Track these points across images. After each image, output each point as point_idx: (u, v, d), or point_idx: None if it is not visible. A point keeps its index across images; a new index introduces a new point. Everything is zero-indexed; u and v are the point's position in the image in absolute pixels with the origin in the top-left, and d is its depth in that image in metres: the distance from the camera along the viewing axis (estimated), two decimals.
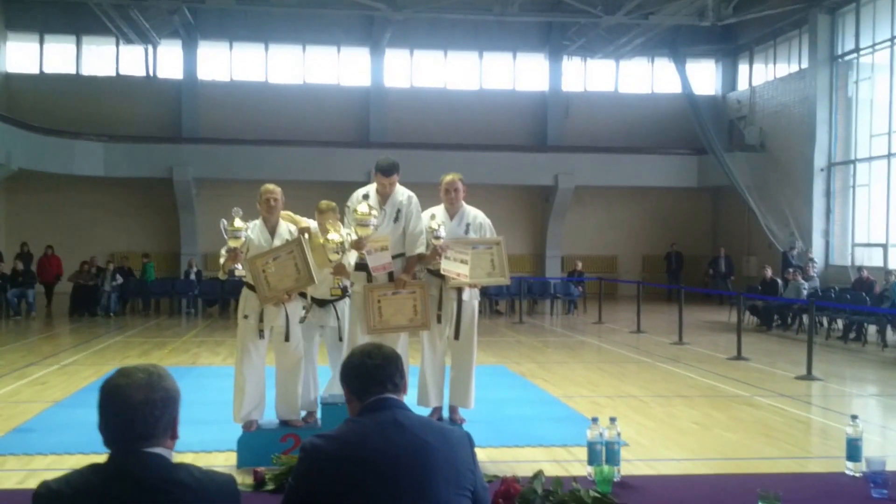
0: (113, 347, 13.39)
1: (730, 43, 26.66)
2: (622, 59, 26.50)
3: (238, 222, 5.96)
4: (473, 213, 6.61)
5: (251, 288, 6.15)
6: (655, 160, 25.48)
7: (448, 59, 26.93)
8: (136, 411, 2.19)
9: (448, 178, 6.54)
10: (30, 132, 21.21)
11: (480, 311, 6.71)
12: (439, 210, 6.56)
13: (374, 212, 6.06)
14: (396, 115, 25.99)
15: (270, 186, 6.35)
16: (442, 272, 6.25)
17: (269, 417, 6.36)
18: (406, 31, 25.35)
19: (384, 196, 6.32)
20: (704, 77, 27.66)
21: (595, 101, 27.25)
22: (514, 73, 27.25)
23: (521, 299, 19.53)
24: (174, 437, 2.29)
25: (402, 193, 6.37)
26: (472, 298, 6.50)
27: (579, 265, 22.98)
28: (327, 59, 26.51)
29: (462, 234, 6.46)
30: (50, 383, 9.83)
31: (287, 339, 6.20)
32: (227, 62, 26.14)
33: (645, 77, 27.72)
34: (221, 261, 6.15)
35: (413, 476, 2.49)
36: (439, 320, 6.36)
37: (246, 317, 6.18)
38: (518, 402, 8.80)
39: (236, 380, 6.20)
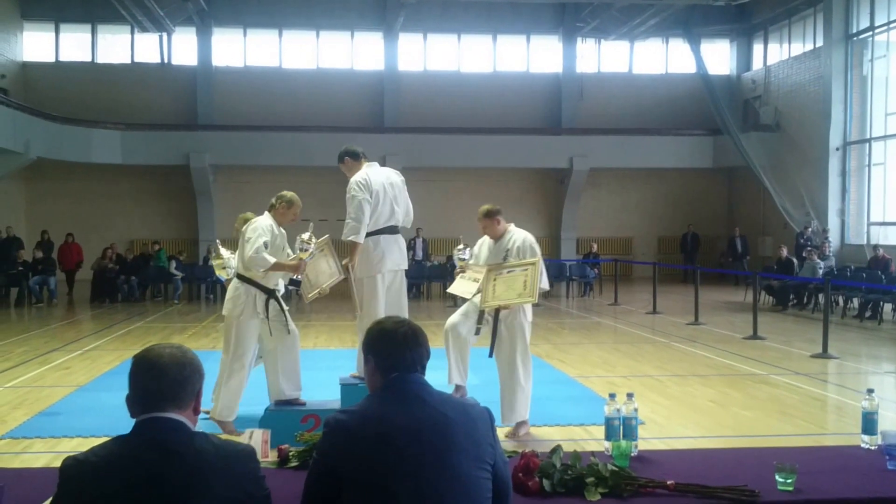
0: (134, 333, 13.55)
1: (744, 22, 26.46)
2: (636, 40, 26.34)
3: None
4: (514, 238, 6.68)
5: (264, 290, 6.54)
6: (670, 141, 25.35)
7: (462, 42, 26.85)
8: (165, 370, 2.33)
9: (478, 215, 6.75)
10: (48, 121, 21.35)
11: None
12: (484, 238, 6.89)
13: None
14: (410, 100, 25.98)
15: (298, 199, 6.76)
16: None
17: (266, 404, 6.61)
18: (419, 15, 25.31)
19: None
20: (719, 57, 27.47)
21: (609, 82, 27.13)
22: (528, 55, 27.15)
23: None
24: (197, 410, 2.41)
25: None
26: (510, 317, 6.61)
27: (595, 247, 23.02)
28: (341, 44, 26.50)
29: (501, 261, 6.62)
30: (73, 368, 9.99)
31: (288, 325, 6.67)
32: (241, 48, 26.20)
33: (659, 58, 27.57)
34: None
35: (434, 450, 2.54)
36: (477, 332, 6.65)
37: (258, 314, 6.57)
38: (535, 383, 8.69)
39: (268, 365, 6.62)
